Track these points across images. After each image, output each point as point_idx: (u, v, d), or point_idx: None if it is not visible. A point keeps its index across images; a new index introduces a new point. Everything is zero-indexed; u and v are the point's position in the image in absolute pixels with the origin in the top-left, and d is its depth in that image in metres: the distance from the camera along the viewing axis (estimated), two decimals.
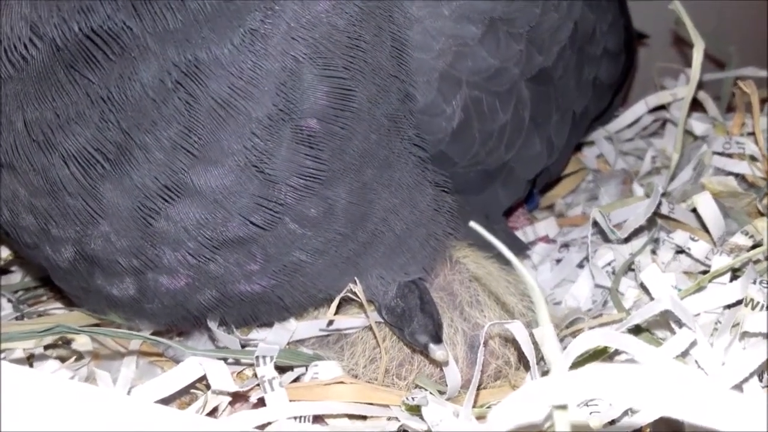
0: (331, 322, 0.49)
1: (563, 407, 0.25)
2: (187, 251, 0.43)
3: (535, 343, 0.43)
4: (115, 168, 0.40)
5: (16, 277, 0.63)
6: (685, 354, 0.44)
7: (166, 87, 0.38)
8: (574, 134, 0.64)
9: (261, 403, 0.44)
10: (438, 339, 0.44)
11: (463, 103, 0.48)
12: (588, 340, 0.37)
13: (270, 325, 0.50)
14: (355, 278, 0.47)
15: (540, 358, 0.45)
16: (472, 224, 0.28)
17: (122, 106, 0.38)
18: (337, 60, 0.41)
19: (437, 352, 0.44)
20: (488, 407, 0.46)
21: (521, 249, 0.60)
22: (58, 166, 0.40)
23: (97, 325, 0.52)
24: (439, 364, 0.46)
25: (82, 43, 0.38)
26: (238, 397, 0.46)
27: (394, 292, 0.48)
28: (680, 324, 0.46)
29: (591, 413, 0.42)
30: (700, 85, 0.69)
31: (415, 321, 0.45)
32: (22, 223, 0.44)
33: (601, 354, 0.43)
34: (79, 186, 0.40)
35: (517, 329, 0.42)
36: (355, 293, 0.46)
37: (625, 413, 0.42)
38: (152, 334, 0.50)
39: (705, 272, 0.54)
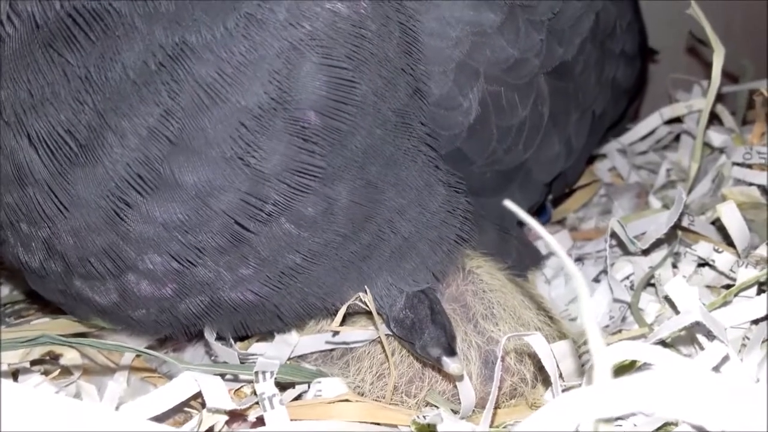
0: (336, 334, 0.46)
1: (608, 420, 0.22)
2: (169, 253, 0.40)
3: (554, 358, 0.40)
4: (85, 153, 0.37)
5: (4, 290, 0.61)
6: (715, 370, 0.41)
7: (149, 69, 0.36)
8: (592, 138, 0.62)
9: (260, 422, 0.42)
10: (452, 351, 0.41)
11: (481, 96, 0.45)
12: (616, 353, 0.34)
13: (267, 336, 0.48)
14: (365, 287, 0.44)
15: (560, 374, 0.42)
16: (507, 203, 0.25)
17: (100, 87, 0.36)
18: (339, 49, 0.38)
19: (451, 365, 0.41)
20: (505, 427, 0.43)
21: (538, 259, 0.58)
22: (25, 149, 0.37)
23: (83, 335, 0.49)
24: (453, 379, 0.43)
25: (63, 22, 0.35)
26: (235, 416, 0.43)
27: (403, 303, 0.45)
28: (709, 338, 0.43)
29: None
30: (716, 98, 0.67)
31: (426, 333, 0.42)
32: None
33: (627, 369, 0.41)
34: (46, 172, 0.37)
35: (537, 342, 0.40)
36: (364, 302, 0.43)
37: None
38: (146, 347, 0.47)
39: (728, 286, 0.51)
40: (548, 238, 0.25)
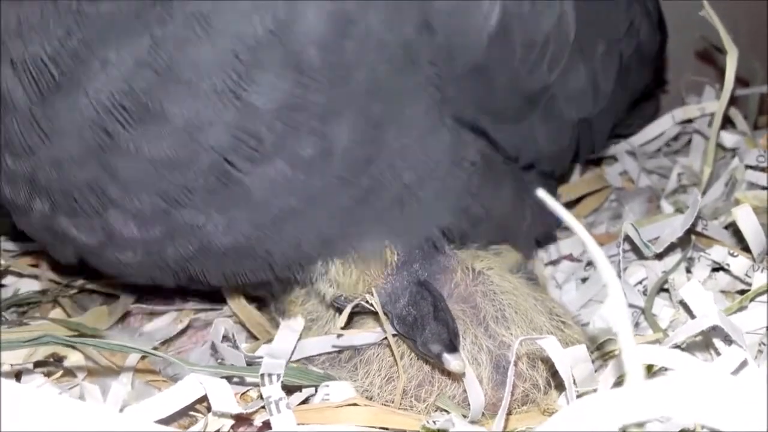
0: (341, 335, 0.45)
1: (639, 425, 0.21)
2: (157, 193, 0.38)
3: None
4: (69, 81, 0.36)
5: (5, 291, 0.60)
6: (733, 375, 0.40)
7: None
8: (620, 91, 0.58)
9: (266, 426, 0.41)
10: (453, 348, 0.40)
11: (502, 5, 0.42)
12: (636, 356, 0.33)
13: (256, 285, 0.46)
14: (372, 290, 0.43)
15: (573, 380, 0.41)
16: (539, 192, 0.24)
17: (91, 19, 0.35)
18: None
19: (452, 362, 0.40)
20: None
21: (552, 225, 0.56)
22: (8, 76, 0.37)
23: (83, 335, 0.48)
24: (457, 378, 0.42)
25: None
26: (241, 420, 0.42)
27: (406, 300, 0.44)
28: (726, 343, 0.42)
29: None
30: (729, 102, 0.66)
31: (427, 329, 0.41)
32: None
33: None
34: (28, 100, 0.37)
35: (551, 347, 0.39)
36: (370, 304, 0.43)
37: None
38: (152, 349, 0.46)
39: (743, 291, 0.51)
40: (578, 229, 0.24)
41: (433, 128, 0.43)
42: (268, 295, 0.55)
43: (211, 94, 0.36)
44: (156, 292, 0.60)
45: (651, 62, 0.70)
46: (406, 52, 0.40)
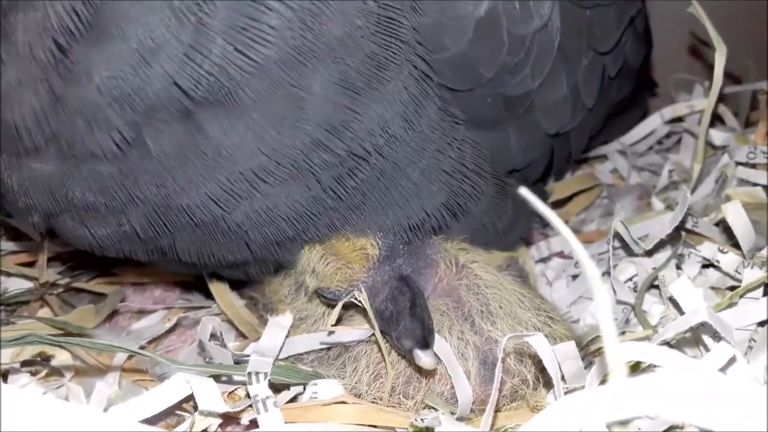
0: (331, 333, 0.45)
1: (624, 422, 0.21)
2: (107, 126, 0.35)
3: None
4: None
5: None
6: (722, 372, 0.40)
7: None
8: (600, 107, 0.58)
9: (254, 425, 0.41)
10: (425, 345, 0.40)
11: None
12: (626, 353, 0.33)
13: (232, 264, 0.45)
14: (361, 287, 0.43)
15: (562, 376, 0.41)
16: (521, 190, 0.24)
17: None
18: None
19: (423, 358, 0.39)
20: (505, 431, 0.41)
21: (532, 217, 0.55)
22: None
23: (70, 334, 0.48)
24: (445, 374, 0.42)
25: None
26: (228, 419, 0.42)
27: (385, 295, 0.44)
28: (715, 339, 0.42)
29: None
30: (718, 99, 0.66)
31: (401, 324, 0.41)
32: None
33: (631, 371, 0.39)
34: None
35: (539, 343, 0.38)
36: (359, 301, 0.42)
37: None
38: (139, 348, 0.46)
39: (733, 288, 0.51)
40: (564, 230, 0.24)
41: (415, 97, 0.41)
42: (257, 295, 0.55)
43: (164, 7, 0.34)
44: (144, 291, 0.60)
45: (632, 76, 0.70)
46: (383, 9, 0.39)
